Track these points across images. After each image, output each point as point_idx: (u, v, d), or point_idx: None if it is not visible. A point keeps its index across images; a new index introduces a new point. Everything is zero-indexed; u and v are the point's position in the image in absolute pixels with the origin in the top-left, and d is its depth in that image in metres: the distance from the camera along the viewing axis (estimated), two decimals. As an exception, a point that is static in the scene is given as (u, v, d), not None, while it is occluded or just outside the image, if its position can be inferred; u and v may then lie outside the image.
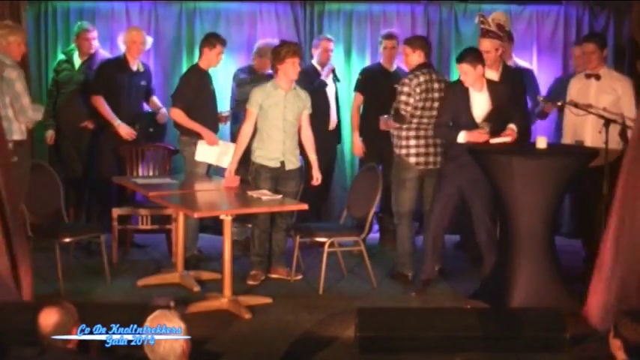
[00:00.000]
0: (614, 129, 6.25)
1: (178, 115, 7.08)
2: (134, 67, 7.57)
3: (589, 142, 6.65)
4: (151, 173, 7.60)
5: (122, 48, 7.58)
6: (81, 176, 7.85)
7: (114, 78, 7.52)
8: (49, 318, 4.03)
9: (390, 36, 7.69)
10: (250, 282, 6.74)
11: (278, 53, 6.61)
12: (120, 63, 7.56)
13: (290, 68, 6.61)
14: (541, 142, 6.15)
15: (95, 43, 7.82)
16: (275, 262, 6.93)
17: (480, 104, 6.36)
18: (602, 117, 6.30)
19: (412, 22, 8.37)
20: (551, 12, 8.43)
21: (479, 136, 6.26)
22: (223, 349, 5.40)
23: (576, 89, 6.81)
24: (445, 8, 8.36)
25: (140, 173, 7.57)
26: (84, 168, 7.85)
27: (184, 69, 8.13)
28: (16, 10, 7.67)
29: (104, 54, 7.90)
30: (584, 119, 6.66)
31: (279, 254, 6.95)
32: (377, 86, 7.57)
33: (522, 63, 7.87)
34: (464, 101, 6.35)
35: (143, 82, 7.68)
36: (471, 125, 6.32)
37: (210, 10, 8.30)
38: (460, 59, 6.35)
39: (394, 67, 7.73)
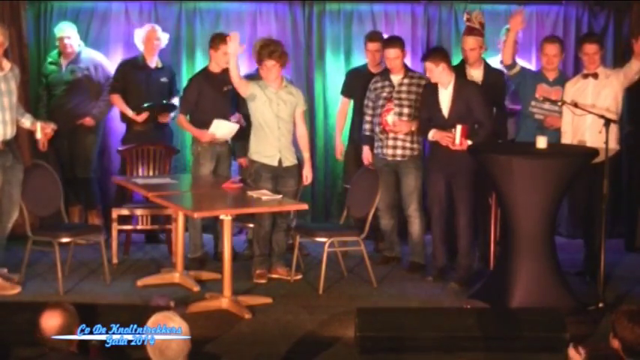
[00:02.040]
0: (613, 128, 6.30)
1: (179, 122, 7.24)
2: (152, 65, 7.62)
3: (589, 142, 6.66)
4: (151, 173, 7.60)
5: (140, 46, 7.64)
6: (79, 176, 7.86)
7: (131, 76, 7.61)
8: (51, 320, 4.01)
9: (373, 38, 7.47)
10: (260, 280, 6.77)
11: (258, 53, 6.68)
12: (137, 61, 7.65)
13: (264, 70, 6.64)
14: (541, 142, 6.15)
15: (74, 43, 7.79)
16: (275, 262, 6.93)
17: (445, 101, 6.67)
18: (602, 117, 6.30)
19: (412, 22, 8.36)
20: (550, 12, 8.42)
21: (444, 139, 6.61)
22: (223, 349, 5.41)
23: (573, 90, 6.83)
24: (445, 8, 8.35)
25: (140, 173, 7.57)
26: (80, 168, 7.86)
27: (184, 69, 8.15)
28: (16, 10, 7.67)
29: (88, 52, 7.90)
30: (582, 119, 6.67)
31: (279, 254, 6.95)
32: (364, 90, 7.38)
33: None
34: (433, 98, 6.72)
35: (164, 79, 7.71)
36: (441, 120, 6.67)
37: (210, 10, 8.28)
38: (423, 57, 6.79)
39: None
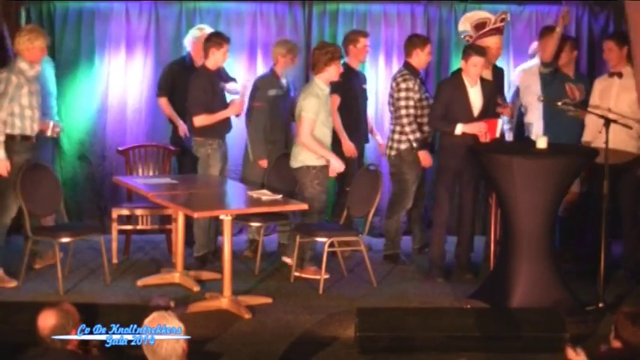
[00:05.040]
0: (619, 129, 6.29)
1: (203, 120, 7.00)
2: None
3: (613, 143, 6.65)
4: (151, 173, 7.60)
5: (188, 47, 7.60)
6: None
7: (178, 78, 7.52)
8: (46, 320, 4.06)
9: (367, 34, 7.64)
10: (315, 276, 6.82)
11: (331, 54, 6.75)
12: (184, 62, 7.59)
13: (335, 70, 6.79)
14: (541, 142, 6.16)
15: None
16: (307, 263, 6.94)
17: (475, 98, 6.77)
18: (601, 117, 6.30)
19: (412, 22, 8.37)
20: (550, 12, 8.41)
21: (479, 131, 6.65)
22: (223, 349, 5.41)
23: (600, 88, 6.90)
24: (445, 8, 8.36)
25: (140, 173, 7.57)
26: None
27: (184, 69, 8.15)
28: (16, 10, 7.68)
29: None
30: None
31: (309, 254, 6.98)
32: (350, 87, 7.42)
33: None
34: (461, 95, 6.75)
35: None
36: (467, 116, 6.73)
37: (210, 10, 8.29)
38: (470, 53, 6.73)
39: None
